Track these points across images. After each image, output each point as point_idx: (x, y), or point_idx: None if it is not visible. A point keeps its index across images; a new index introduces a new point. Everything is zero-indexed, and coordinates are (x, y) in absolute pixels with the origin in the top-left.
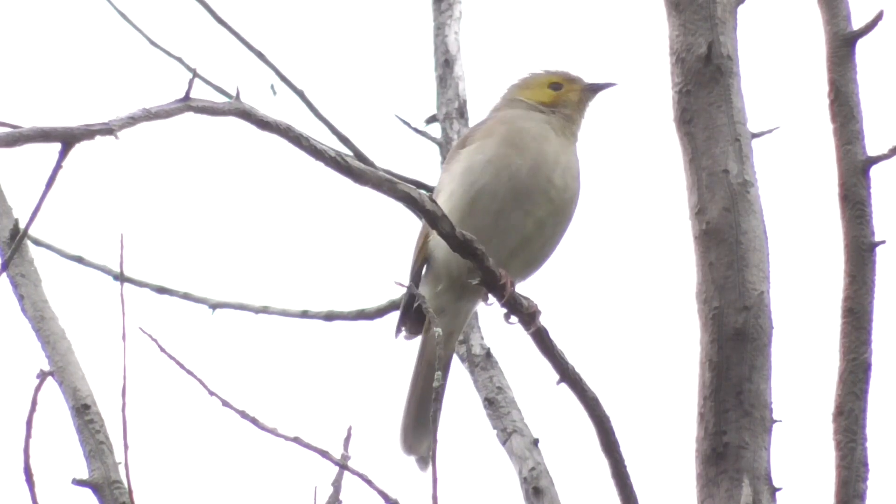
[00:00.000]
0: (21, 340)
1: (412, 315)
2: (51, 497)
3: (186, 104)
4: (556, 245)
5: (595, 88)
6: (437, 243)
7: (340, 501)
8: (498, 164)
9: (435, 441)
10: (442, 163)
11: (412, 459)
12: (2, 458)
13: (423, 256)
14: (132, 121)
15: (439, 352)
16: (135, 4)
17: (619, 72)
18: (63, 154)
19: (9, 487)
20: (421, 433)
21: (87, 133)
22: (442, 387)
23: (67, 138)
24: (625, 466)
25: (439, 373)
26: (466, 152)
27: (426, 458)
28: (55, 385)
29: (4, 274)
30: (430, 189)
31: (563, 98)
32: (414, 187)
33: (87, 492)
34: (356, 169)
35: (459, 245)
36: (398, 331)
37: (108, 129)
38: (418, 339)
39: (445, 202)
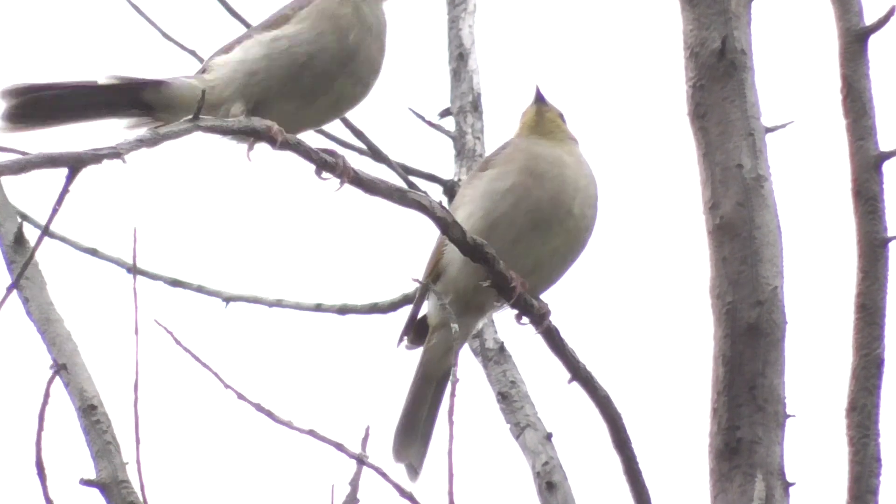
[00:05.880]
0: (28, 342)
1: (417, 326)
2: (59, 497)
3: (195, 124)
4: (568, 269)
5: (537, 98)
6: (449, 260)
7: (358, 500)
8: (518, 193)
9: (451, 436)
10: (456, 157)
11: (401, 467)
12: (10, 458)
13: (434, 274)
14: (140, 143)
15: (457, 347)
16: None
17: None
18: (70, 178)
19: (16, 486)
20: (409, 442)
21: (95, 157)
22: (438, 400)
23: (75, 163)
24: (637, 463)
25: (454, 367)
26: (487, 176)
27: (415, 466)
28: (62, 386)
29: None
30: (444, 181)
31: (522, 122)
32: (425, 195)
33: (95, 492)
34: (367, 181)
35: (470, 250)
36: (400, 340)
37: (115, 153)
38: (418, 351)
39: (464, 221)
